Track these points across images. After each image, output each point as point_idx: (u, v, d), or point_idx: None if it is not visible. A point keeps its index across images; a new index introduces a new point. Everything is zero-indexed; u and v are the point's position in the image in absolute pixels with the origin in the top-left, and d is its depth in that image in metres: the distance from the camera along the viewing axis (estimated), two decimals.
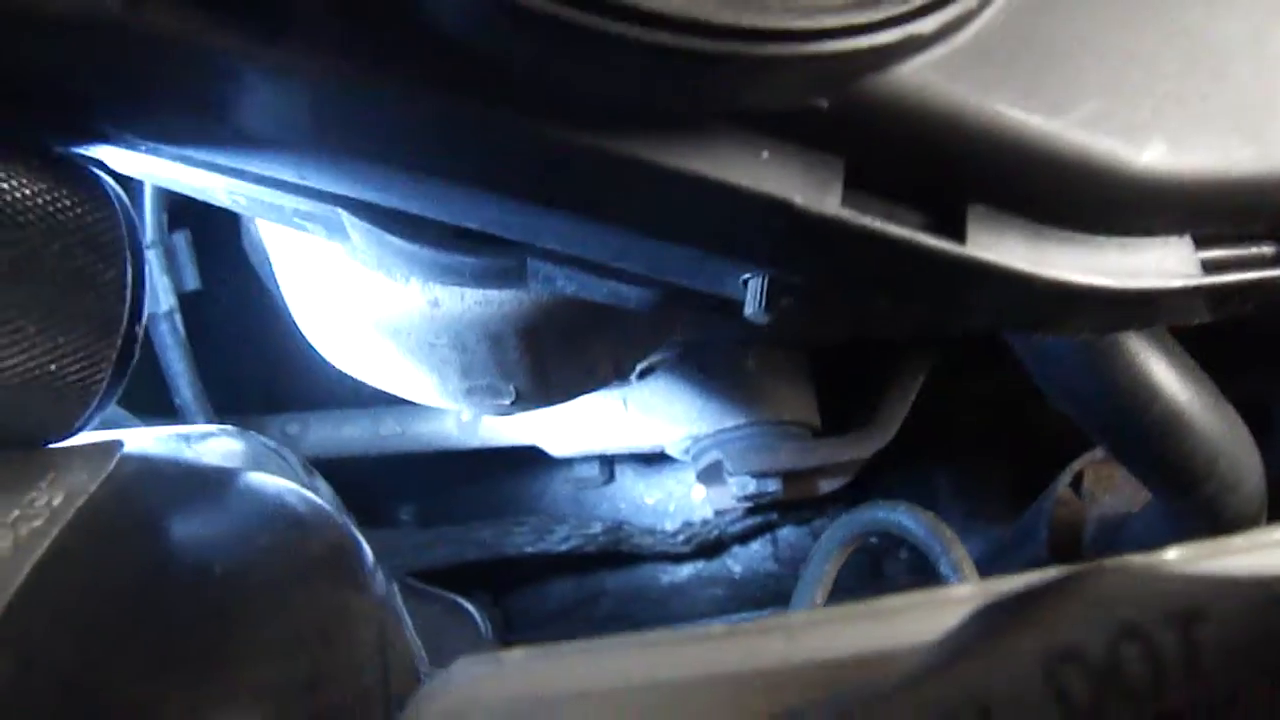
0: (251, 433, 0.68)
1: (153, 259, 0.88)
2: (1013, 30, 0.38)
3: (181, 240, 0.90)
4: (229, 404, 1.14)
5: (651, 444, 1.08)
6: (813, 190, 0.37)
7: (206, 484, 0.51)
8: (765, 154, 0.37)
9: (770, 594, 1.27)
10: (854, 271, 0.40)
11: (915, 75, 0.35)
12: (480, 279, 0.54)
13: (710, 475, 1.08)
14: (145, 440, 0.58)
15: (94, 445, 0.49)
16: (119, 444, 0.49)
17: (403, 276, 0.56)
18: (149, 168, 0.53)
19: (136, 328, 0.47)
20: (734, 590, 1.29)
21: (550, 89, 0.34)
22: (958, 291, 0.41)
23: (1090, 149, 0.38)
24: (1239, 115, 0.42)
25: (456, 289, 0.56)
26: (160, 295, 0.89)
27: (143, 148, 0.47)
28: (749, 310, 0.48)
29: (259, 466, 0.66)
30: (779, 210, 0.37)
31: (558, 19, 0.30)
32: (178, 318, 0.92)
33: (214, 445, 0.61)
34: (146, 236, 0.87)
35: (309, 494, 0.53)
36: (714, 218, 0.39)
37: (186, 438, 0.60)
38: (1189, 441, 0.65)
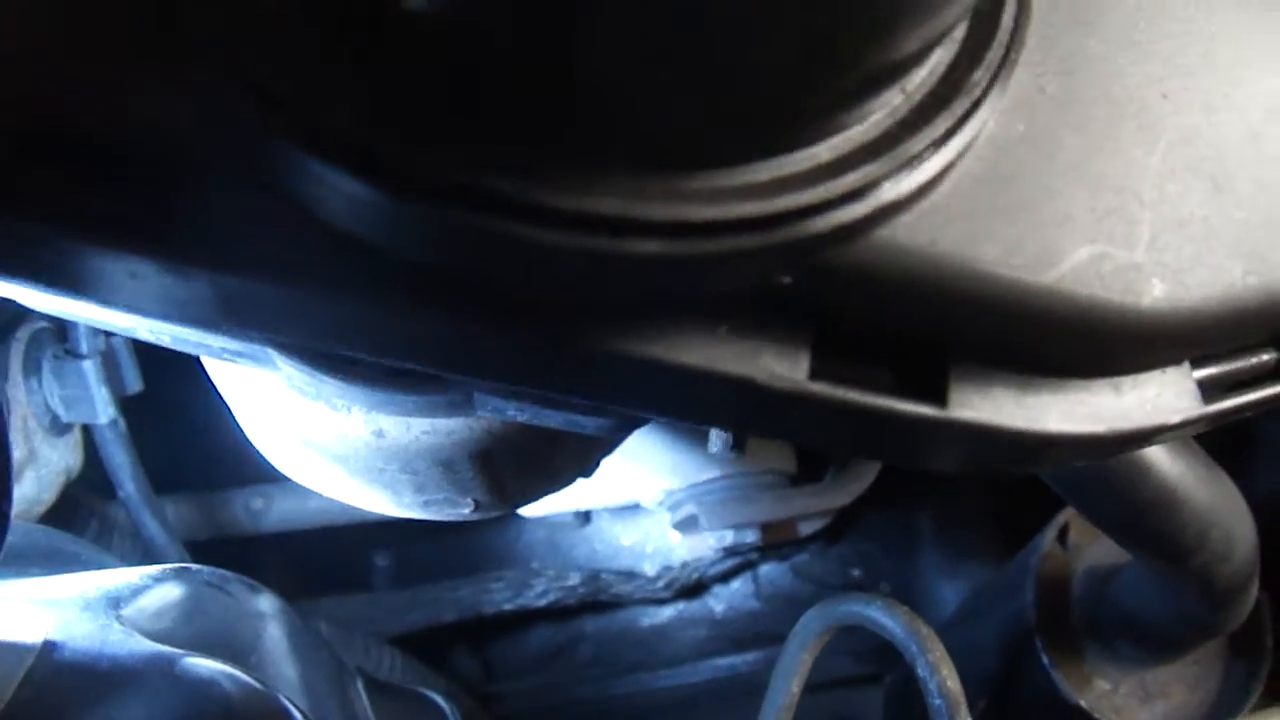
0: (194, 569, 0.64)
1: (90, 370, 0.83)
2: (994, 175, 0.34)
3: (120, 343, 0.86)
4: (196, 479, 1.10)
5: (625, 500, 1.05)
6: (778, 363, 0.33)
7: (134, 678, 0.47)
8: (724, 329, 0.33)
9: (752, 634, 1.24)
10: (826, 436, 0.37)
11: (888, 239, 0.32)
12: (426, 411, 0.50)
13: (687, 526, 1.05)
14: (70, 612, 0.55)
15: (8, 645, 0.45)
16: (32, 650, 0.45)
17: (344, 406, 0.52)
18: (61, 307, 0.48)
19: (6, 504, 0.44)
20: (716, 630, 1.26)
21: (481, 289, 0.30)
22: (939, 450, 0.37)
23: (1084, 302, 0.34)
24: (1240, 233, 0.39)
25: (401, 419, 0.52)
26: (100, 407, 0.85)
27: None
28: (714, 448, 0.45)
29: (200, 611, 0.63)
30: (741, 388, 0.33)
31: (473, 228, 0.26)
32: (121, 424, 0.87)
33: (150, 601, 0.58)
34: (83, 347, 0.83)
35: (241, 675, 0.50)
36: (672, 395, 0.35)
37: (117, 600, 0.56)
38: (1180, 516, 0.63)
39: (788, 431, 0.37)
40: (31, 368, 0.90)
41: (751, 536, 1.00)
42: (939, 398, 0.35)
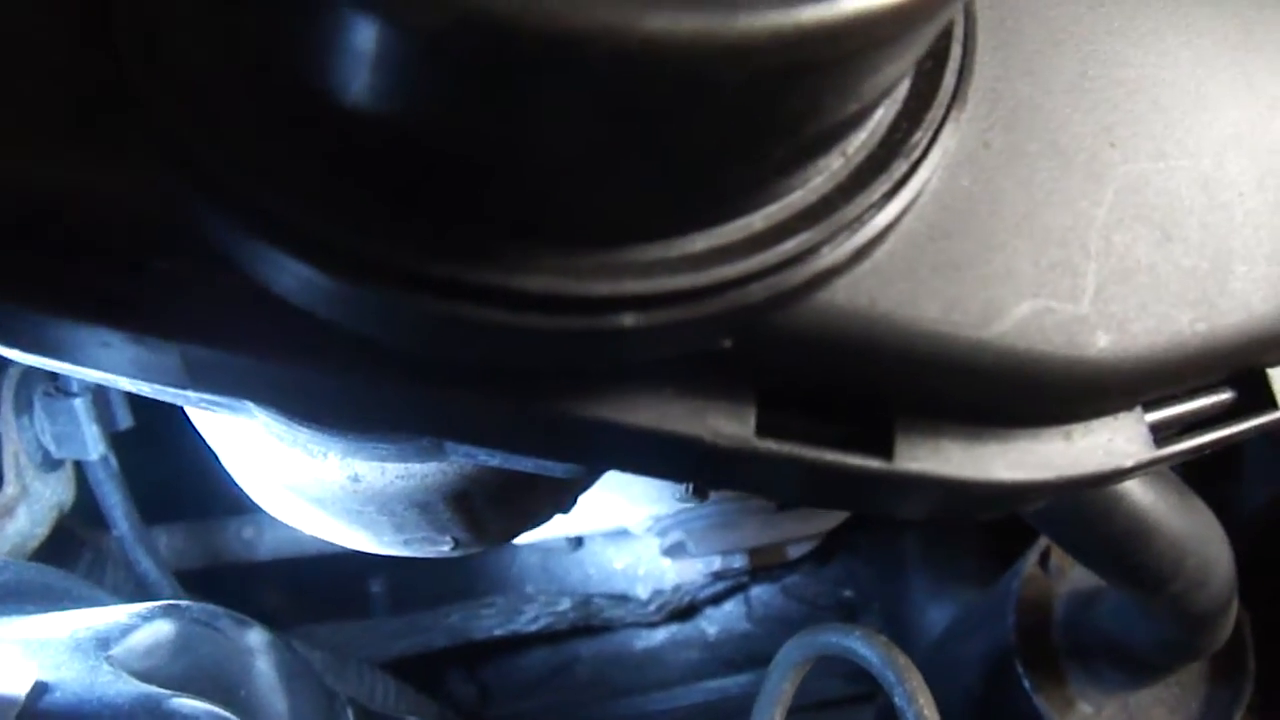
0: (182, 606, 0.65)
1: (80, 408, 0.85)
2: (936, 232, 0.35)
3: None
4: (190, 508, 1.11)
5: (613, 525, 1.06)
6: (724, 421, 0.34)
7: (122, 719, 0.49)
8: (670, 390, 0.34)
9: (745, 655, 1.24)
10: (777, 488, 0.38)
11: (826, 302, 0.32)
12: (399, 456, 0.50)
13: (676, 552, 1.05)
14: (60, 654, 0.56)
15: None
16: (22, 692, 0.47)
17: (320, 452, 0.53)
18: (42, 362, 0.49)
19: None
20: (709, 652, 1.27)
21: (431, 360, 0.31)
22: (889, 501, 0.38)
23: (1027, 356, 0.35)
24: (1188, 281, 0.39)
25: (376, 464, 0.52)
26: (90, 444, 0.86)
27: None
28: (677, 496, 0.45)
29: (188, 648, 0.64)
30: (689, 446, 0.34)
31: (414, 309, 0.27)
32: (113, 460, 0.89)
33: (138, 641, 0.59)
34: (73, 385, 0.84)
35: (226, 715, 0.51)
36: (624, 453, 0.36)
37: (106, 640, 0.57)
38: (1154, 545, 0.63)
39: (740, 484, 0.38)
40: (23, 405, 0.91)
41: (740, 561, 1.00)
42: (885, 451, 0.35)
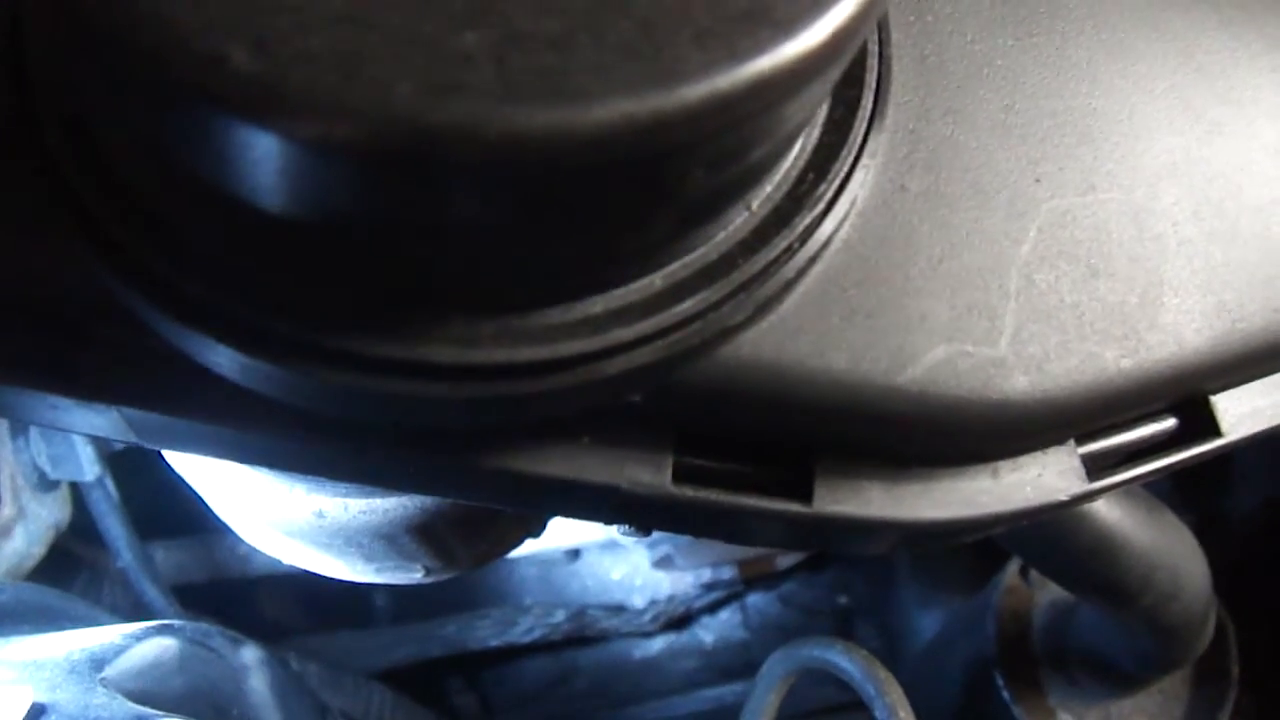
0: (176, 626, 0.67)
1: None
2: (846, 281, 0.35)
3: None
4: (190, 523, 1.12)
5: (603, 537, 1.06)
6: (641, 470, 0.35)
7: None
8: (586, 440, 0.34)
9: (742, 663, 1.25)
10: (700, 529, 0.38)
11: (731, 356, 0.33)
12: (360, 491, 0.52)
13: (665, 564, 1.06)
14: (56, 675, 0.58)
15: None
16: (19, 715, 0.48)
17: (285, 488, 0.54)
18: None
19: None
20: (706, 661, 1.27)
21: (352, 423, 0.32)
22: (813, 542, 0.39)
23: (940, 401, 0.35)
24: (1115, 316, 0.39)
25: (340, 499, 0.53)
26: (85, 465, 0.88)
27: None
28: (621, 533, 0.46)
29: (182, 668, 0.66)
30: (607, 493, 0.35)
31: (326, 383, 0.28)
32: (109, 482, 0.90)
33: (131, 661, 0.60)
34: None
35: None
36: (547, 500, 0.37)
37: (100, 661, 0.59)
38: (1121, 560, 0.63)
39: (665, 527, 0.38)
40: (19, 427, 0.93)
41: (729, 573, 1.01)
42: (804, 495, 0.36)
